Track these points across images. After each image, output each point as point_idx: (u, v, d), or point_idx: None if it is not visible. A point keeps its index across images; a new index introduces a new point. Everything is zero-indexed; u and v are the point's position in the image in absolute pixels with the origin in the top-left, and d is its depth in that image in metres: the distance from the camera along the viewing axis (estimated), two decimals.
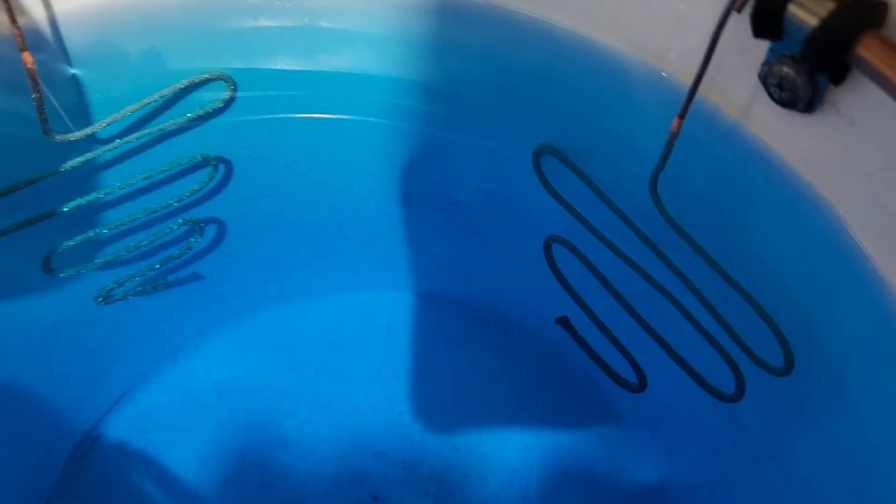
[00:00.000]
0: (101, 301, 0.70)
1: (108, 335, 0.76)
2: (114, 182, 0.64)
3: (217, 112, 0.64)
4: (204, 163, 0.67)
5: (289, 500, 0.78)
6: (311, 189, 0.75)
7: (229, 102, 0.64)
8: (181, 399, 0.82)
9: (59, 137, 0.58)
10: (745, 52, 0.47)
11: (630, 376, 0.68)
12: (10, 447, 0.73)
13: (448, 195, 0.73)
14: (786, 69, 0.45)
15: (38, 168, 0.60)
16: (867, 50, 0.39)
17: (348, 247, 0.82)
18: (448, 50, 0.64)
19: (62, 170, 0.60)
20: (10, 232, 0.60)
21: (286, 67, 0.65)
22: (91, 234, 0.65)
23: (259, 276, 0.83)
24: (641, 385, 0.68)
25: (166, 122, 0.63)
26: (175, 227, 0.69)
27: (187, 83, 0.62)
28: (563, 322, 0.71)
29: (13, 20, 0.52)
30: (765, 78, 0.47)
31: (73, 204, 0.62)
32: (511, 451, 0.80)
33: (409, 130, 0.69)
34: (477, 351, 0.85)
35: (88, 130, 0.59)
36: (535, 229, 0.68)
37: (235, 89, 0.64)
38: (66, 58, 0.59)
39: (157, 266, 0.71)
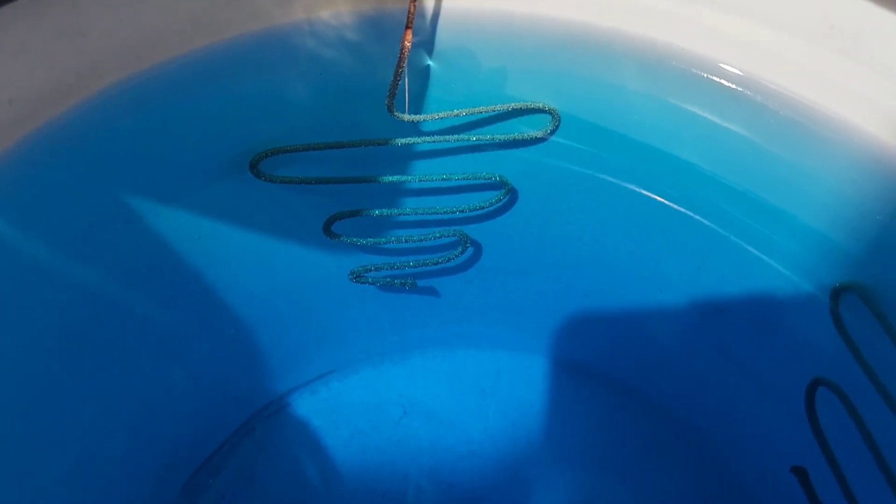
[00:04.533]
0: (354, 279, 0.71)
1: (338, 313, 0.78)
2: (416, 172, 0.67)
3: (530, 143, 0.66)
4: (498, 184, 0.68)
5: None
6: (564, 245, 0.74)
7: (544, 140, 0.66)
8: (369, 401, 0.82)
9: (397, 115, 0.61)
10: None
11: None
12: (208, 381, 0.75)
13: (715, 303, 0.71)
14: None
15: (362, 136, 0.63)
16: None
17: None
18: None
19: (389, 144, 0.62)
20: (320, 184, 0.64)
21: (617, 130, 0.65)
22: (376, 212, 0.67)
23: (492, 312, 0.83)
24: None
25: (484, 135, 0.65)
26: (446, 234, 0.70)
27: (519, 106, 0.63)
28: (800, 473, 0.65)
29: None
30: None
31: (388, 178, 0.64)
32: None
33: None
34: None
35: (422, 117, 0.62)
36: (803, 365, 0.64)
37: (555, 131, 0.65)
38: (431, 48, 0.62)
39: (412, 265, 0.72)
